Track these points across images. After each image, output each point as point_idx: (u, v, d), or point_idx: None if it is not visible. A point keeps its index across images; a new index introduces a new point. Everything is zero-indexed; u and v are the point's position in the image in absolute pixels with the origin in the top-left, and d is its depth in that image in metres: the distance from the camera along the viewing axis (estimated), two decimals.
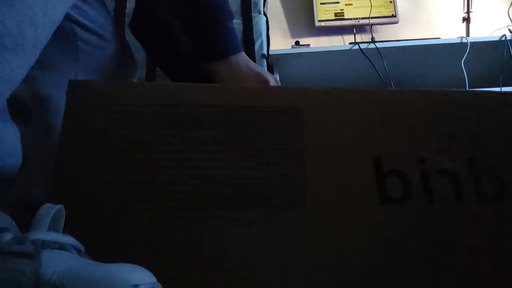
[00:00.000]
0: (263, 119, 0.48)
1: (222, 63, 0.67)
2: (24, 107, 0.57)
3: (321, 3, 2.04)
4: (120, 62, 0.68)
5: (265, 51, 1.56)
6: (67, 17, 0.48)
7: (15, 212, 0.37)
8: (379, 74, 1.69)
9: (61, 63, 0.59)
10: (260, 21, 1.56)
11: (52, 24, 0.45)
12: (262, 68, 0.71)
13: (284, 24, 2.17)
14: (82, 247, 0.36)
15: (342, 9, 2.04)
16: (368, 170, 0.47)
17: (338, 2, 2.05)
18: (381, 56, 1.66)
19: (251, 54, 1.49)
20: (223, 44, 0.67)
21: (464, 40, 1.68)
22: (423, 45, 1.71)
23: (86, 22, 0.60)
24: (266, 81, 0.68)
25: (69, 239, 0.35)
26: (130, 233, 0.43)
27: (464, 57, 1.65)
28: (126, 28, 0.82)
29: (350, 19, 2.03)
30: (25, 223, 0.34)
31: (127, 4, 1.36)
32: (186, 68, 0.73)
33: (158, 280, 0.34)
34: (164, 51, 0.75)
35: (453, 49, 1.69)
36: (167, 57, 0.75)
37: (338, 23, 2.04)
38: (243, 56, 0.69)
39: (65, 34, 0.58)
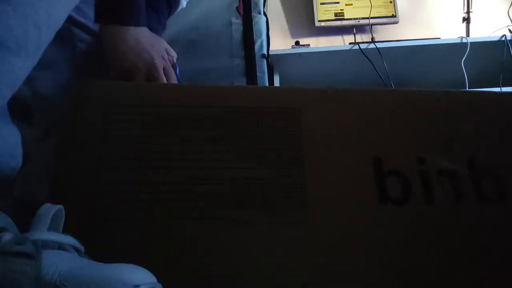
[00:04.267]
0: (263, 119, 0.48)
1: (113, 28, 0.61)
2: (26, 107, 0.57)
3: (321, 3, 2.04)
4: None
5: (265, 51, 1.55)
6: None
7: (15, 212, 0.38)
8: (379, 74, 1.68)
9: (61, 62, 0.59)
10: (260, 21, 1.56)
11: (55, 26, 0.45)
12: (153, 53, 0.64)
13: (284, 24, 2.17)
14: (82, 247, 0.36)
15: (342, 9, 2.04)
16: (368, 170, 0.47)
17: (338, 2, 2.05)
18: (381, 56, 1.66)
19: (251, 54, 1.48)
20: (118, 11, 0.61)
21: (464, 40, 1.68)
22: (423, 45, 1.70)
23: (84, 21, 0.60)
24: (136, 68, 0.62)
25: (69, 239, 0.35)
26: (130, 233, 0.43)
27: (464, 57, 1.65)
28: None
29: (350, 19, 2.03)
30: (25, 223, 0.34)
31: None
32: None
33: (158, 280, 0.34)
34: None
35: (453, 49, 1.68)
36: None
37: (338, 23, 2.03)
38: (141, 31, 0.63)
39: (63, 34, 0.58)
